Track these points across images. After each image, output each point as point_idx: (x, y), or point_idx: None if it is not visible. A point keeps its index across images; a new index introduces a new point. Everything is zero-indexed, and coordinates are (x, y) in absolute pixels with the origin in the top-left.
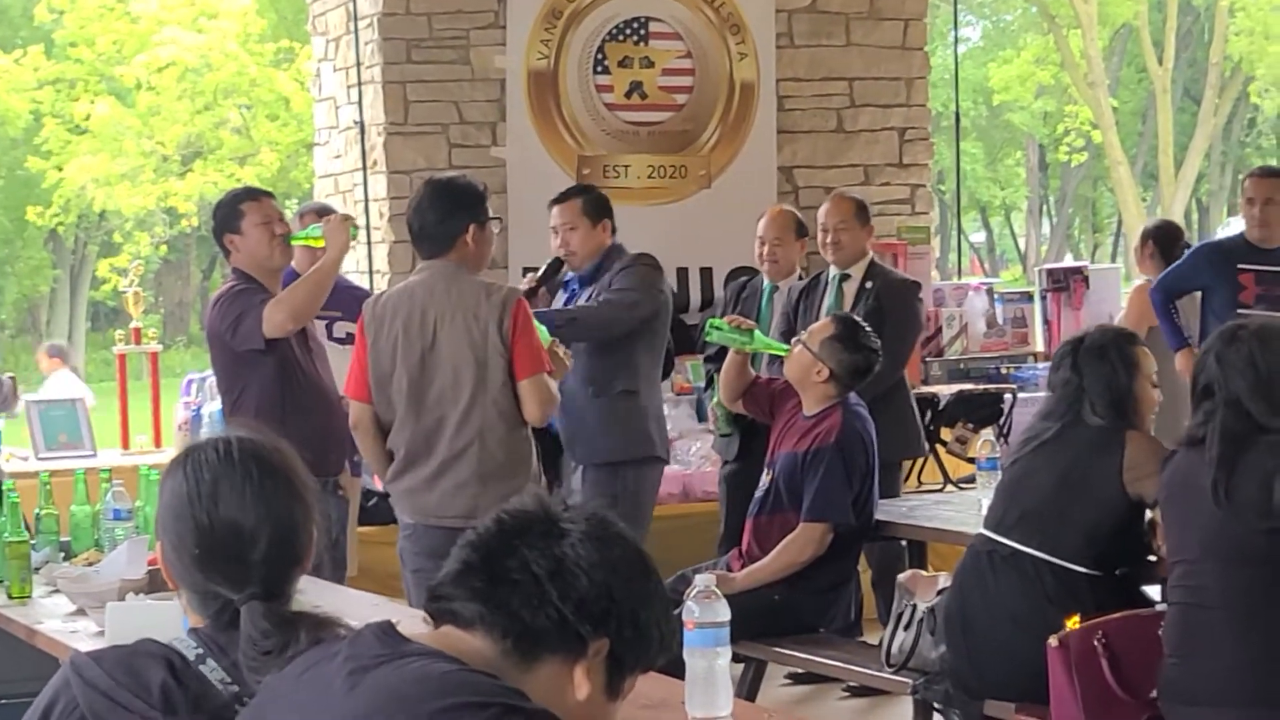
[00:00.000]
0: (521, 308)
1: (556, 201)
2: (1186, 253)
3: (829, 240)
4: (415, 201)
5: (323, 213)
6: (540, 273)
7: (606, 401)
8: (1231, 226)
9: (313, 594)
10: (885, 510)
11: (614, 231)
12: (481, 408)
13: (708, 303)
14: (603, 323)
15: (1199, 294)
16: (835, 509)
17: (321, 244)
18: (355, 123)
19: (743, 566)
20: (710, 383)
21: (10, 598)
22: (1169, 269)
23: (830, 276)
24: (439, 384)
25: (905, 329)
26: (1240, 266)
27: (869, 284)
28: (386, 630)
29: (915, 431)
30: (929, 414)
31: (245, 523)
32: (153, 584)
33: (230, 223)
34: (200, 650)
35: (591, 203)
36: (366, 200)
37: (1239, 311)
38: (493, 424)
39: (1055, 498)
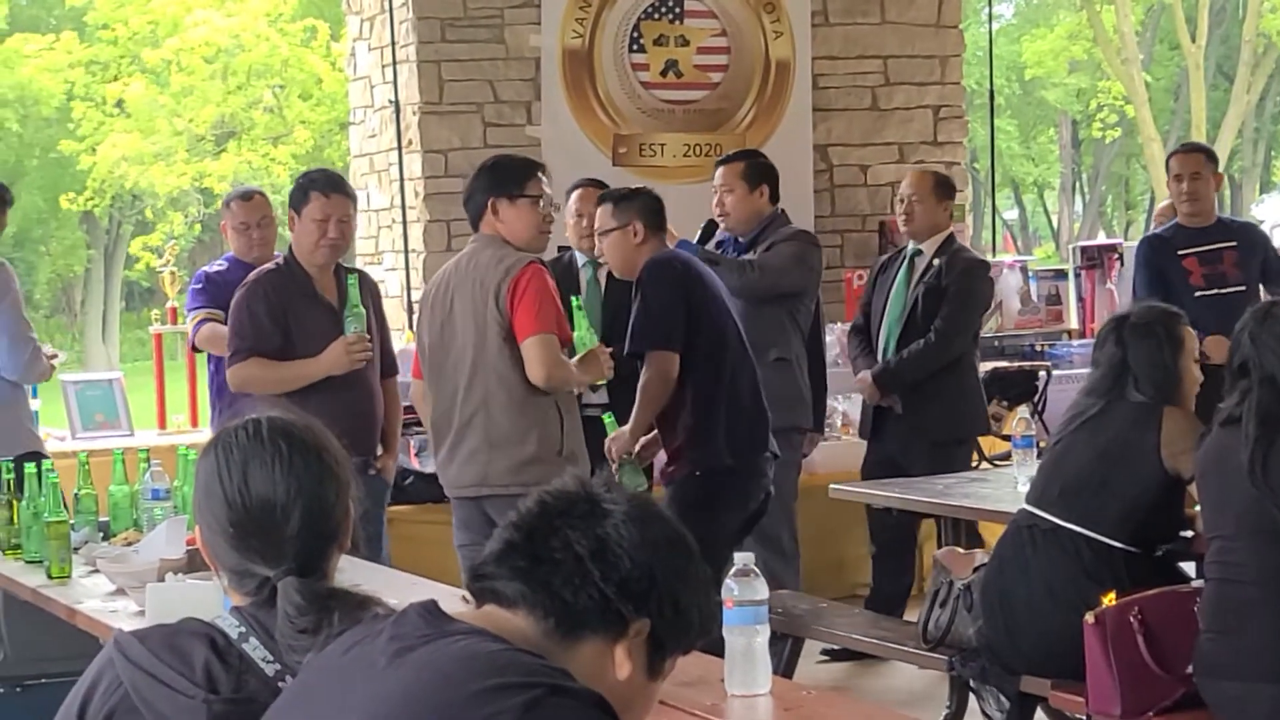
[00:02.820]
0: (526, 274)
1: (721, 162)
2: (1134, 261)
3: (902, 211)
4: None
5: (245, 196)
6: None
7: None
8: (1265, 204)
9: (352, 573)
10: (920, 488)
11: (776, 199)
12: (483, 376)
13: None
14: (739, 281)
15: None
16: (648, 336)
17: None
18: (390, 102)
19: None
20: None
21: (50, 577)
22: (1136, 285)
23: (907, 251)
24: (454, 354)
25: (961, 308)
26: (1181, 253)
27: (936, 261)
28: (431, 609)
29: (981, 409)
30: None
31: (276, 499)
32: (192, 564)
33: (296, 202)
34: (243, 629)
35: (753, 168)
36: (402, 179)
37: (1195, 296)
38: (494, 391)
39: (1095, 472)
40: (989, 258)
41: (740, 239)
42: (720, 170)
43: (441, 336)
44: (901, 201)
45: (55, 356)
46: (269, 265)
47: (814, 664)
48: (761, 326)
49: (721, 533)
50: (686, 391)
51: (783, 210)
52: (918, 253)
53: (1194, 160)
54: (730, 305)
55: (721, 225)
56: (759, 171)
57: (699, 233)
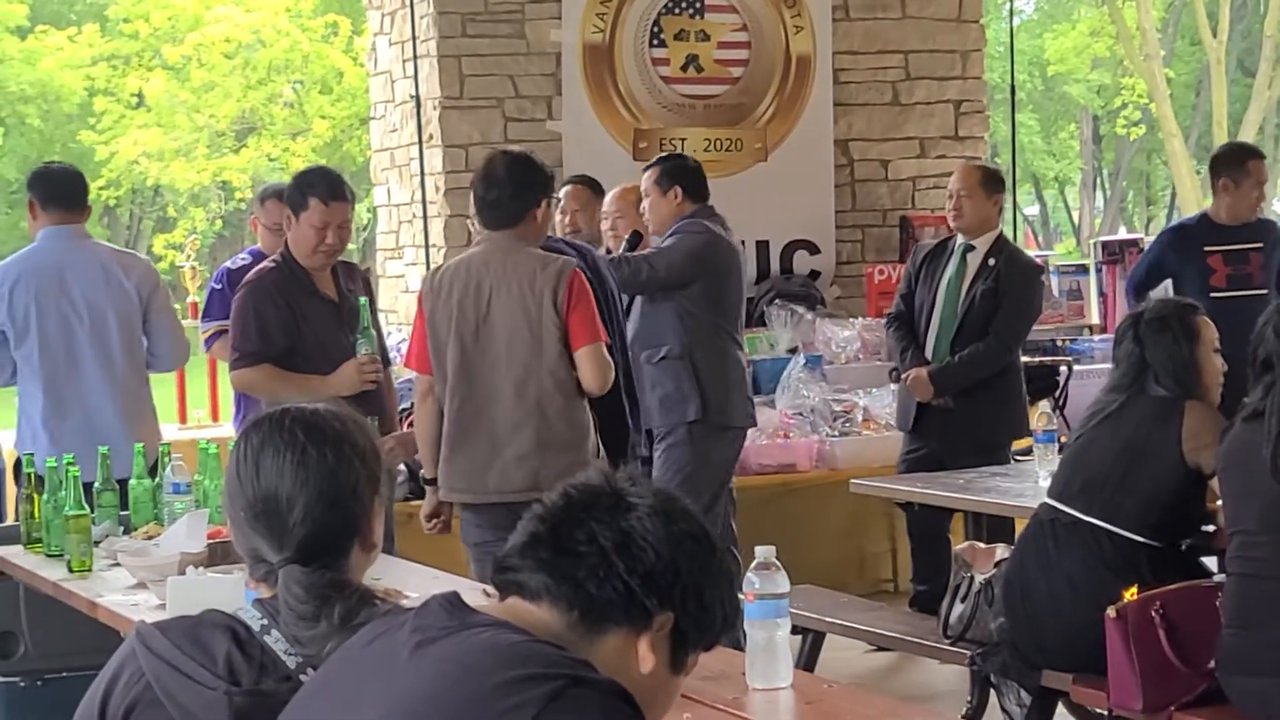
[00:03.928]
0: (577, 278)
1: (644, 168)
2: (1152, 242)
3: (951, 206)
4: (489, 172)
5: (280, 195)
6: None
7: (653, 367)
8: None
9: (375, 567)
10: (942, 483)
11: (697, 198)
12: (538, 379)
13: (764, 275)
14: (620, 279)
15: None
16: None
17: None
18: (411, 97)
19: None
20: None
21: (71, 571)
22: (1137, 263)
23: (956, 245)
24: (492, 355)
25: (1020, 314)
26: (1206, 249)
27: (991, 261)
28: (453, 601)
29: (1024, 411)
30: None
31: (282, 488)
32: (212, 558)
33: (295, 203)
34: (265, 621)
35: (664, 171)
36: (422, 174)
37: (1212, 296)
38: (550, 395)
39: (1116, 467)
40: None
41: (660, 240)
42: (643, 177)
43: (476, 339)
44: (950, 197)
45: None
46: (268, 264)
47: (849, 655)
48: (656, 321)
49: None
50: None
51: (710, 207)
52: (969, 248)
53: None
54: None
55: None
56: (670, 174)
57: (623, 243)
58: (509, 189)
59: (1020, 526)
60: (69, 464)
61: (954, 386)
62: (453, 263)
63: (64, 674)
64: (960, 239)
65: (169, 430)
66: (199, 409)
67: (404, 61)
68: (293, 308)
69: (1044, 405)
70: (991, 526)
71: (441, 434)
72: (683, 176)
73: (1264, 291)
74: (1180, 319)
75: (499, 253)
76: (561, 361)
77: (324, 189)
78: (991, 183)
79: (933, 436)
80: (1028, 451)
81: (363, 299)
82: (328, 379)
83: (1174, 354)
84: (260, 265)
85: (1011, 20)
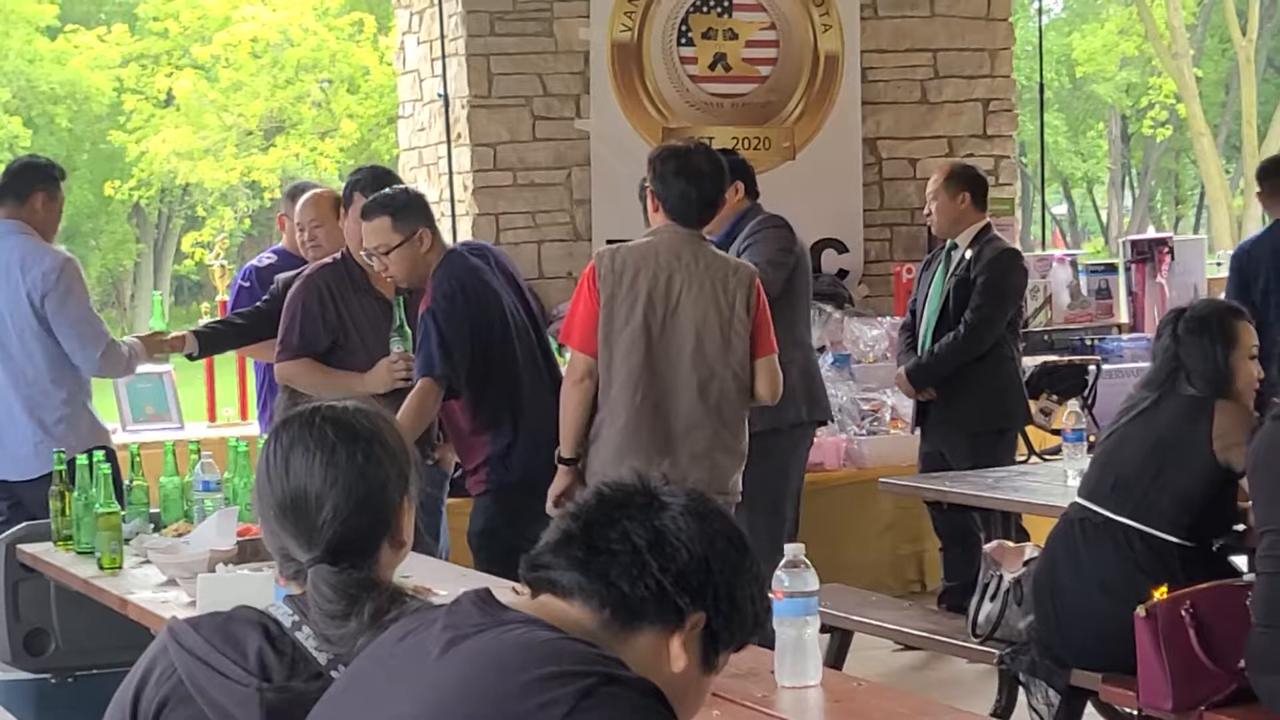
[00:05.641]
0: (760, 285)
1: None
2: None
3: (926, 212)
4: (693, 167)
5: (315, 197)
6: None
7: None
8: None
9: (402, 565)
10: (969, 482)
11: (752, 194)
12: (721, 380)
13: None
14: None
15: None
16: (425, 363)
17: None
18: (439, 95)
19: None
20: None
21: (101, 568)
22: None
23: (946, 246)
24: (675, 350)
25: (989, 297)
26: None
27: (968, 254)
28: (485, 598)
29: (1018, 400)
30: None
31: (310, 487)
32: (242, 555)
33: (345, 200)
34: (296, 617)
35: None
36: (450, 173)
37: None
38: (730, 397)
39: (1147, 466)
40: (1039, 252)
41: (715, 237)
42: None
43: (662, 331)
44: (927, 200)
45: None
46: (326, 260)
47: (877, 654)
48: None
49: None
50: (479, 416)
51: (757, 204)
52: (954, 246)
53: None
54: (518, 308)
55: None
56: (730, 169)
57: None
58: (720, 187)
59: (1030, 525)
60: (100, 461)
61: (930, 379)
62: (634, 246)
63: (94, 671)
64: (949, 239)
65: (198, 429)
66: (228, 407)
67: (432, 60)
68: (340, 306)
69: (1073, 404)
70: (1008, 526)
71: (592, 417)
72: (741, 173)
73: None
74: (1220, 321)
75: (687, 247)
76: (746, 367)
77: (369, 185)
78: (955, 182)
79: (933, 435)
80: (1056, 451)
81: (399, 297)
82: (363, 376)
83: (1208, 356)
84: (320, 260)
85: (1040, 19)
